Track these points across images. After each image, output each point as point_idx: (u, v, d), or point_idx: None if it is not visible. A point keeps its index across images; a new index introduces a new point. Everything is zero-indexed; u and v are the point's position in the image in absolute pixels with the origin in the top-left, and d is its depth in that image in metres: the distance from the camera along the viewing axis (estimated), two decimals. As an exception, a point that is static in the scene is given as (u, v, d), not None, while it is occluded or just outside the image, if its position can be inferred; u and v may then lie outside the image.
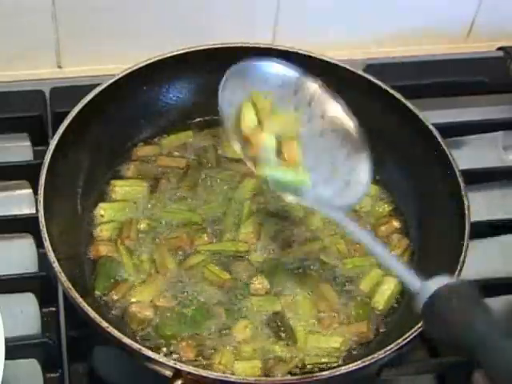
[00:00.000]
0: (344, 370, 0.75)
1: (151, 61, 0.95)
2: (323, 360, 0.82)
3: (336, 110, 0.84)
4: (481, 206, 1.01)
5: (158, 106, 0.99)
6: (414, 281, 0.67)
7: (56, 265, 0.78)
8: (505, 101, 1.15)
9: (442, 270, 0.83)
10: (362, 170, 0.82)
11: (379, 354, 0.75)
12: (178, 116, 1.00)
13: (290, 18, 1.13)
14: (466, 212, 0.86)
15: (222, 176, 0.96)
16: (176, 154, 0.98)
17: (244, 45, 0.98)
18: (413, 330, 0.76)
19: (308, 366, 0.82)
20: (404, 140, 0.96)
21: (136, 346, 0.74)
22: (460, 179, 0.89)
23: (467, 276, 0.86)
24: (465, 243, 0.84)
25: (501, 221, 1.01)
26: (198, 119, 1.01)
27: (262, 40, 1.03)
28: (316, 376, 0.77)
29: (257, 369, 0.81)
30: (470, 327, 0.60)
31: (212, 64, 0.95)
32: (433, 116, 0.97)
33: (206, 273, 0.87)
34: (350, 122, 0.83)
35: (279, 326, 0.84)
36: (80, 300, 0.76)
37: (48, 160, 0.86)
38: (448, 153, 0.91)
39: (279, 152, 0.79)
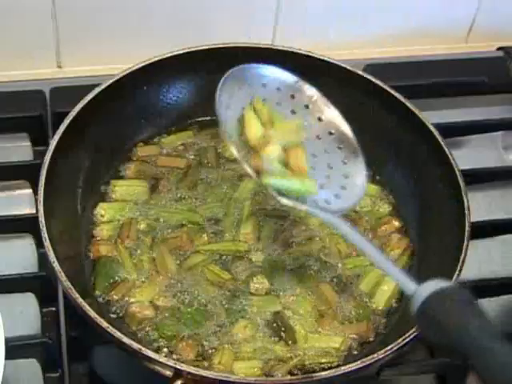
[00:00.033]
0: (344, 369, 0.75)
1: (151, 61, 0.95)
2: (323, 360, 0.82)
3: (333, 113, 0.83)
4: (481, 206, 1.01)
5: (158, 106, 0.99)
6: (409, 284, 0.67)
7: (56, 265, 0.78)
8: (505, 101, 1.15)
9: (442, 269, 0.83)
10: (358, 173, 0.82)
11: (379, 354, 0.75)
12: (177, 116, 1.00)
13: (290, 18, 1.13)
14: (466, 212, 0.86)
15: (221, 176, 0.96)
16: (176, 153, 0.98)
17: (244, 45, 0.98)
18: (413, 330, 0.76)
19: (308, 366, 0.82)
20: (404, 140, 0.96)
21: (136, 345, 0.74)
22: (460, 179, 0.89)
23: (467, 276, 0.87)
24: (465, 243, 0.84)
25: (501, 221, 1.01)
26: (198, 119, 1.01)
27: (262, 40, 1.03)
28: (316, 376, 0.77)
29: (257, 369, 0.81)
30: (464, 331, 0.60)
31: (212, 64, 0.95)
32: (433, 116, 0.97)
33: (206, 273, 0.87)
34: (346, 125, 0.83)
35: (279, 326, 0.84)
36: (80, 300, 0.76)
37: (48, 160, 0.86)
38: (448, 153, 0.91)
39: (285, 160, 0.79)
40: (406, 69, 1.14)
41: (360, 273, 0.89)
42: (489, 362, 0.59)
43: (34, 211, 0.94)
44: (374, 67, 1.09)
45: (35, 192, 0.91)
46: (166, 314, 0.84)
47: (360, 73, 0.98)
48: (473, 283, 0.92)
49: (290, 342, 0.83)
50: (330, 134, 0.83)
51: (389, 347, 0.76)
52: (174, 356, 0.81)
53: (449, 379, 0.88)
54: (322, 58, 0.98)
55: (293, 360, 0.82)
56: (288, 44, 0.99)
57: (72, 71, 1.12)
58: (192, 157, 0.98)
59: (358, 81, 0.97)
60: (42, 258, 0.91)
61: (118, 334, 0.75)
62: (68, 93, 1.03)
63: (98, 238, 0.90)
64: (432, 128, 0.93)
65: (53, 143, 0.87)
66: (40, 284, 0.89)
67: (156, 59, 0.96)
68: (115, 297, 0.85)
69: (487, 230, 0.98)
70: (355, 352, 0.83)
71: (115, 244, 0.89)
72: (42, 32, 1.07)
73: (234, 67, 0.80)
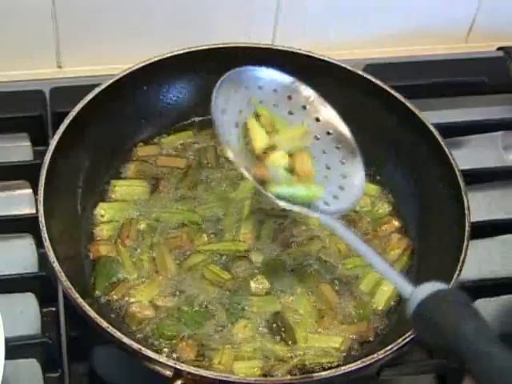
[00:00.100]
0: (344, 369, 0.75)
1: (151, 61, 0.95)
2: (323, 360, 0.82)
3: (331, 113, 0.83)
4: (481, 206, 1.01)
5: (158, 106, 0.99)
6: (406, 287, 0.67)
7: (56, 265, 0.78)
8: (505, 101, 1.15)
9: (442, 269, 0.83)
10: (356, 173, 0.82)
11: (379, 354, 0.75)
12: (177, 116, 1.00)
13: (290, 18, 1.13)
14: (466, 212, 0.86)
15: (222, 176, 0.96)
16: (176, 154, 0.98)
17: (244, 45, 0.98)
18: (413, 330, 0.76)
19: (308, 366, 0.82)
20: (404, 140, 0.96)
21: (136, 345, 0.74)
22: (460, 179, 0.89)
23: (467, 276, 0.87)
24: (465, 243, 0.84)
25: (501, 221, 1.01)
26: (198, 119, 1.01)
27: (262, 40, 1.03)
28: (316, 376, 0.77)
29: (257, 369, 0.81)
30: (459, 333, 0.60)
31: (212, 64, 0.95)
32: (433, 116, 0.98)
33: (206, 273, 0.87)
34: (344, 125, 0.83)
35: (279, 326, 0.84)
36: (80, 300, 0.76)
37: (48, 160, 0.86)
38: (448, 153, 0.91)
39: (290, 166, 0.79)
40: (406, 69, 1.14)
41: (360, 273, 0.89)
42: (486, 367, 0.58)
43: (34, 211, 0.94)
44: (374, 67, 1.09)
45: (35, 192, 0.91)
46: (166, 314, 0.84)
47: (360, 73, 0.98)
48: (473, 283, 0.92)
49: (289, 342, 0.83)
50: (328, 134, 0.83)
51: (389, 347, 0.76)
52: (174, 356, 0.81)
53: (449, 379, 0.88)
54: (322, 58, 0.98)
55: (293, 360, 0.82)
56: (288, 44, 0.99)
57: (72, 71, 1.12)
58: (192, 157, 0.98)
59: (358, 81, 0.97)
60: (42, 258, 0.91)
61: (118, 334, 0.75)
62: (68, 93, 1.03)
63: (97, 238, 0.90)
64: (432, 128, 0.93)
65: (53, 143, 0.87)
66: (40, 284, 0.89)
67: (156, 59, 0.96)
68: (115, 297, 0.85)
69: (487, 230, 0.98)
70: (355, 352, 0.83)
71: (115, 244, 0.89)
72: (42, 32, 1.07)
73: (230, 70, 0.80)
